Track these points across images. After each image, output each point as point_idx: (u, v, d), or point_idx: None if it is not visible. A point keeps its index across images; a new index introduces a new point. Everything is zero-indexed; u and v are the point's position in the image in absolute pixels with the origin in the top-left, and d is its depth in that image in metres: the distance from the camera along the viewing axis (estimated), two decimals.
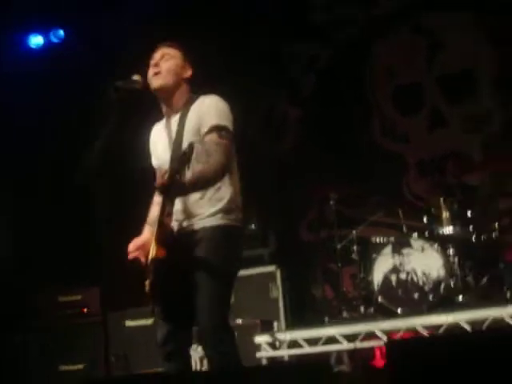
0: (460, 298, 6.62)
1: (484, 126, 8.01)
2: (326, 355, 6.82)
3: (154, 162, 4.37)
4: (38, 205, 8.66)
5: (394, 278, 6.77)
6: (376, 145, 8.48)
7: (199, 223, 4.05)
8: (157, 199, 4.33)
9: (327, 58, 8.79)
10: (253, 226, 7.67)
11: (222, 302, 4.02)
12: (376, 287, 6.82)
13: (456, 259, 6.79)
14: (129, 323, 7.18)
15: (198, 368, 6.44)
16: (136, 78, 4.19)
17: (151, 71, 4.20)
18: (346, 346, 6.54)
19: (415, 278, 6.68)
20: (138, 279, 4.80)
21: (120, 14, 8.68)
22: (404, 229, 7.14)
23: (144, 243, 4.18)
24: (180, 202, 4.04)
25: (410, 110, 8.41)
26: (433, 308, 6.55)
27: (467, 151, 7.98)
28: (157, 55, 4.24)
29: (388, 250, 6.88)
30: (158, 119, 4.46)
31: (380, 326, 6.44)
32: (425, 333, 6.27)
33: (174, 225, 4.07)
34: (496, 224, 6.83)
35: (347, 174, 8.07)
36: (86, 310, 7.44)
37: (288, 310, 7.30)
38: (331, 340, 6.59)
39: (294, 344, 6.72)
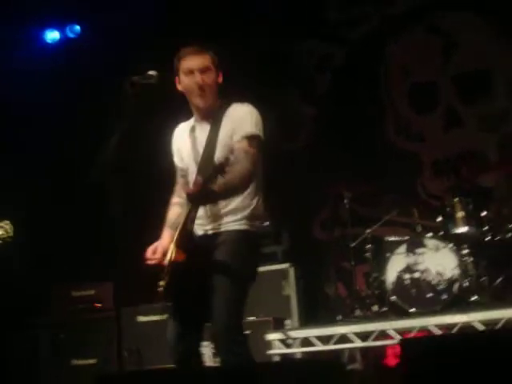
0: (474, 298, 6.59)
1: (500, 126, 7.98)
2: (338, 354, 6.81)
3: (178, 162, 4.40)
4: (51, 201, 8.69)
5: (407, 277, 6.75)
6: (390, 143, 8.47)
7: (223, 227, 4.11)
8: (175, 200, 4.41)
9: (342, 57, 8.79)
10: (266, 224, 7.66)
11: (237, 304, 4.06)
12: (389, 286, 6.79)
13: (470, 259, 6.76)
14: (141, 318, 7.20)
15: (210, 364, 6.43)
16: (152, 73, 4.19)
17: (194, 86, 4.16)
18: (358, 344, 6.52)
19: (429, 278, 6.65)
20: (151, 276, 4.82)
21: (135, 9, 8.69)
22: (418, 228, 7.11)
23: (164, 249, 4.20)
24: (205, 207, 4.09)
25: (425, 108, 8.39)
26: (446, 308, 6.52)
27: (483, 151, 7.95)
28: (193, 63, 4.21)
29: (402, 249, 6.85)
30: (177, 117, 4.48)
31: (393, 325, 6.41)
32: (438, 332, 6.24)
33: (198, 229, 4.13)
34: (511, 225, 6.80)
35: (361, 172, 8.03)
36: (99, 304, 7.47)
37: (301, 308, 7.29)
38: (344, 338, 6.57)
39: (306, 342, 6.70)
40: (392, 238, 7.07)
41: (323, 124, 8.74)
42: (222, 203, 4.07)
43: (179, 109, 4.43)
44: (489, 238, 6.87)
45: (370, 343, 6.47)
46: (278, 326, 6.90)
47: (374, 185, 7.75)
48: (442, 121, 8.27)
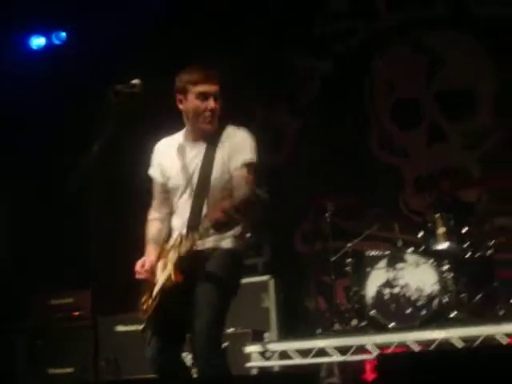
0: (453, 314, 6.60)
1: (483, 143, 8.01)
2: (316, 367, 6.80)
3: (159, 178, 4.43)
4: (33, 207, 8.65)
5: (387, 292, 6.75)
6: (374, 158, 8.48)
7: (210, 244, 4.20)
8: (155, 216, 4.47)
9: (328, 70, 8.79)
10: (248, 235, 7.64)
11: (220, 315, 4.14)
12: (369, 301, 6.80)
13: (450, 275, 6.77)
14: (120, 328, 7.16)
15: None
16: (135, 82, 4.18)
17: (206, 111, 4.25)
18: (336, 358, 6.51)
19: (408, 293, 6.66)
20: (131, 285, 4.81)
21: (122, 16, 8.69)
22: (399, 243, 7.12)
23: (152, 265, 4.30)
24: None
25: (408, 124, 8.42)
26: (425, 323, 6.53)
27: (465, 167, 7.99)
28: (209, 88, 4.27)
29: (382, 263, 6.86)
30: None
31: (372, 340, 6.41)
32: (416, 348, 6.25)
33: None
34: (491, 241, 6.83)
35: (344, 185, 8.05)
36: (77, 313, 7.42)
37: (280, 321, 7.27)
38: (322, 352, 6.56)
39: (284, 355, 6.69)
40: (373, 253, 7.08)
41: (307, 136, 8.75)
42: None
43: (160, 119, 4.44)
44: (469, 254, 6.89)
45: (348, 357, 6.46)
46: (257, 338, 6.88)
47: (356, 198, 7.76)
48: (425, 136, 8.30)
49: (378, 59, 8.63)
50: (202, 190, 4.18)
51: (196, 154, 4.29)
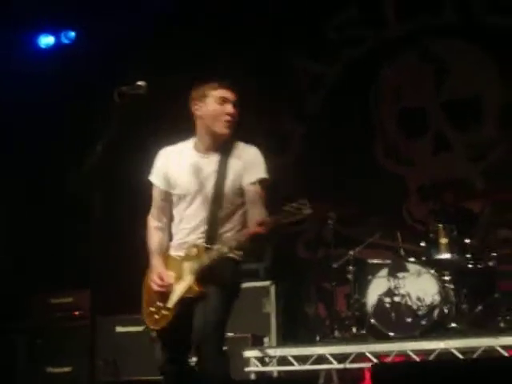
0: (453, 324, 6.60)
1: (488, 155, 8.01)
2: (315, 374, 6.79)
3: (163, 186, 4.47)
4: (32, 207, 8.65)
5: (388, 300, 6.73)
6: (379, 166, 8.48)
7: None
8: (155, 224, 4.51)
9: (335, 77, 8.79)
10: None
11: (222, 319, 4.25)
12: (369, 309, 6.78)
13: (451, 286, 6.77)
14: (119, 329, 7.15)
15: None
16: (141, 83, 4.18)
17: (227, 116, 4.36)
18: (335, 365, 6.50)
19: (409, 302, 6.65)
20: (130, 286, 4.81)
21: (131, 16, 8.71)
22: (401, 252, 7.11)
23: (169, 277, 4.34)
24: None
25: (414, 133, 8.41)
26: (425, 333, 6.52)
27: (470, 178, 7.98)
28: (229, 94, 4.40)
29: (384, 272, 6.84)
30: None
31: (371, 348, 6.40)
32: (416, 357, 6.24)
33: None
34: (494, 253, 6.82)
35: (348, 193, 8.05)
36: (77, 312, 7.42)
37: (280, 326, 7.26)
38: (321, 359, 6.55)
39: (283, 361, 6.68)
40: (374, 261, 7.07)
41: (312, 142, 8.75)
42: (221, 230, 4.29)
43: (164, 120, 4.45)
44: (471, 265, 6.88)
45: (347, 365, 6.45)
46: (257, 343, 6.88)
47: (359, 206, 7.75)
48: (430, 146, 8.30)
49: (386, 67, 8.63)
50: (217, 200, 4.28)
51: (209, 163, 4.35)
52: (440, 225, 6.95)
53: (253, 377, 6.59)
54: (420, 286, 6.67)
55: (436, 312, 6.57)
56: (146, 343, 4.73)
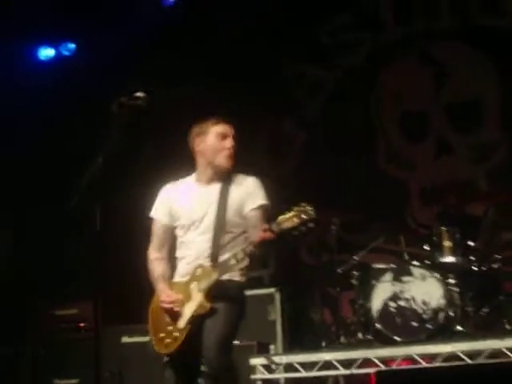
0: (459, 327, 6.58)
1: (491, 156, 8.00)
2: (322, 380, 6.77)
3: (166, 220, 4.68)
4: (37, 218, 8.66)
5: (393, 305, 6.72)
6: (380, 170, 8.47)
7: (226, 276, 4.55)
8: (156, 255, 4.74)
9: (335, 82, 8.80)
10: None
11: (233, 328, 4.57)
12: (375, 314, 6.76)
13: (456, 289, 6.74)
14: (125, 340, 7.13)
15: None
16: (140, 94, 4.20)
17: (227, 150, 4.64)
18: (342, 371, 6.49)
19: (414, 306, 6.63)
20: (137, 297, 4.84)
21: (131, 27, 8.73)
22: (405, 256, 7.10)
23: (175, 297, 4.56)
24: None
25: (416, 136, 8.41)
26: (431, 337, 6.50)
27: (473, 181, 7.97)
28: (229, 130, 4.68)
29: (388, 276, 6.83)
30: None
31: (377, 353, 6.39)
32: (422, 362, 6.22)
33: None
34: (498, 255, 6.80)
35: (350, 198, 8.04)
36: (82, 324, 7.42)
37: (286, 333, 7.24)
38: (328, 365, 6.54)
39: (290, 368, 6.67)
40: (378, 266, 7.05)
41: (313, 149, 8.75)
42: (227, 255, 4.52)
43: (165, 131, 4.47)
44: (475, 268, 6.87)
45: (353, 371, 6.43)
46: (262, 350, 6.86)
47: (362, 211, 7.75)
48: (432, 149, 8.29)
49: (386, 71, 8.63)
50: (219, 225, 4.53)
51: (211, 192, 4.63)
52: (443, 228, 6.93)
53: None
54: (425, 290, 6.65)
55: (441, 315, 6.55)
56: (152, 354, 4.74)
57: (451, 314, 6.59)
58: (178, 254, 4.71)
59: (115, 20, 8.71)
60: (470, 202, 7.37)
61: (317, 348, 6.94)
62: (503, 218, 7.13)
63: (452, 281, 6.76)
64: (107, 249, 4.41)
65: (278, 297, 7.32)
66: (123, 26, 8.74)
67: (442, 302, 6.56)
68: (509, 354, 5.94)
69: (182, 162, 4.92)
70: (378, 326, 6.72)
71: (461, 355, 6.05)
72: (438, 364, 6.13)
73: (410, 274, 6.76)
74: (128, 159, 7.60)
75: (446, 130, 8.25)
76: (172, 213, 4.69)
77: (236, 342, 6.49)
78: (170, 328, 4.53)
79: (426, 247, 7.02)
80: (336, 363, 6.48)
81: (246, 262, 4.58)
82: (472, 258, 6.89)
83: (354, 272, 7.16)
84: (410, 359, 6.30)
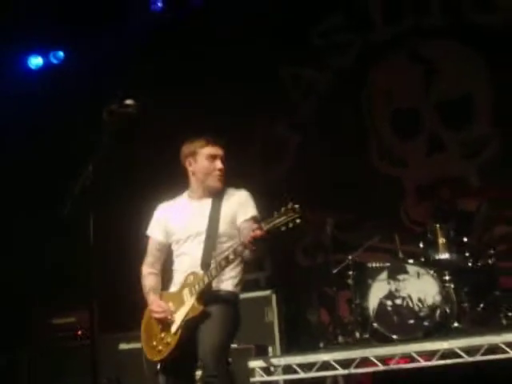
0: (455, 324, 6.60)
1: (482, 152, 8.01)
2: (321, 381, 6.77)
3: (161, 237, 4.80)
4: (34, 227, 8.64)
5: (389, 303, 6.74)
6: (374, 169, 8.48)
7: (218, 285, 4.63)
8: (150, 271, 4.85)
9: (326, 82, 8.81)
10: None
11: (226, 343, 4.58)
12: (371, 313, 6.78)
13: (452, 285, 6.77)
14: (122, 346, 7.13)
15: None
16: (130, 102, 4.21)
17: (218, 171, 4.74)
18: (340, 371, 6.49)
19: (411, 304, 6.65)
20: (134, 303, 4.85)
21: (120, 34, 8.73)
22: (400, 254, 7.11)
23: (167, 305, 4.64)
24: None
25: (407, 134, 8.43)
26: (428, 334, 6.51)
27: (465, 177, 7.99)
28: (218, 151, 4.77)
29: (384, 275, 6.84)
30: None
31: (375, 352, 6.38)
32: (420, 359, 6.23)
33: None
34: (492, 250, 6.82)
35: (344, 198, 8.05)
36: (79, 332, 7.41)
37: (283, 335, 7.25)
38: (326, 365, 6.54)
39: (288, 369, 6.67)
40: (374, 265, 7.06)
41: (308, 149, 8.76)
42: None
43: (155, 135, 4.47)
44: (470, 264, 6.88)
45: (352, 370, 6.43)
46: (261, 353, 6.85)
47: (356, 211, 7.76)
48: (424, 146, 8.31)
49: (376, 70, 8.64)
50: (211, 236, 4.63)
51: (203, 207, 4.73)
52: (437, 225, 6.95)
53: None
54: (420, 288, 6.67)
55: (438, 312, 6.57)
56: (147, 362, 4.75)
57: (447, 310, 6.61)
58: (174, 266, 4.80)
59: (104, 27, 8.71)
60: (462, 198, 7.39)
61: (315, 349, 6.95)
62: (496, 213, 7.15)
63: (447, 277, 6.79)
64: (103, 258, 4.43)
65: (274, 299, 7.32)
66: (112, 33, 8.74)
67: (438, 298, 6.58)
68: (506, 349, 5.94)
69: (175, 171, 4.96)
70: (375, 324, 6.74)
71: (458, 351, 6.06)
72: (435, 361, 6.15)
73: (405, 272, 6.77)
74: (122, 171, 7.63)
75: (437, 128, 8.26)
76: (167, 230, 4.81)
77: (234, 346, 6.54)
78: (162, 335, 4.59)
79: (421, 245, 7.04)
80: (334, 363, 6.47)
81: (239, 272, 4.70)
82: (467, 254, 6.91)
83: (350, 272, 7.17)
84: (407, 357, 6.30)
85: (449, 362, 6.09)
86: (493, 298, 6.69)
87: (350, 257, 7.22)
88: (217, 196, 4.76)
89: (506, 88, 7.81)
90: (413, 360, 6.25)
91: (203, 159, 4.74)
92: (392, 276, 6.79)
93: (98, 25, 8.60)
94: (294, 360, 6.65)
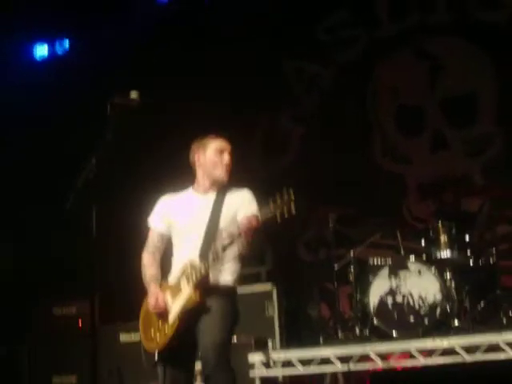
0: (456, 322, 6.60)
1: (486, 150, 8.00)
2: (321, 375, 6.79)
3: (162, 229, 4.84)
4: (35, 218, 8.66)
5: (390, 300, 6.75)
6: (377, 165, 8.47)
7: (217, 279, 4.65)
8: (151, 261, 4.83)
9: (331, 78, 8.80)
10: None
11: (228, 333, 4.62)
12: (372, 309, 6.79)
13: (453, 283, 6.78)
14: (123, 337, 7.14)
15: None
16: (134, 94, 4.21)
17: (223, 164, 4.81)
18: (340, 367, 6.50)
19: (411, 302, 6.66)
20: (134, 294, 4.86)
21: (125, 26, 8.72)
22: (402, 251, 7.11)
23: (164, 298, 4.68)
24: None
25: (412, 131, 8.41)
26: (428, 332, 6.52)
27: (468, 175, 7.98)
28: (225, 145, 4.87)
29: (385, 272, 6.85)
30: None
31: (375, 349, 6.41)
32: (420, 357, 6.24)
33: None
34: (494, 249, 6.82)
35: (347, 193, 8.04)
36: (80, 322, 7.42)
37: (283, 329, 7.25)
38: (326, 361, 6.55)
39: (288, 364, 6.68)
40: (375, 261, 7.06)
41: (311, 144, 8.75)
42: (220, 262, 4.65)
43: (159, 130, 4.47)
44: (471, 262, 6.89)
45: (351, 366, 6.45)
46: (260, 347, 6.86)
47: (359, 206, 7.75)
48: (428, 143, 8.29)
49: (381, 66, 8.63)
50: (212, 229, 4.67)
51: (207, 200, 4.79)
52: (439, 223, 6.95)
53: (258, 381, 6.58)
54: (421, 285, 6.68)
55: (438, 310, 6.58)
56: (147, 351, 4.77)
57: (448, 308, 6.62)
58: (173, 257, 4.82)
59: (110, 18, 8.71)
60: (465, 196, 7.39)
61: (315, 344, 6.95)
62: (498, 212, 7.15)
63: (448, 275, 6.79)
64: (105, 249, 4.43)
65: (275, 293, 7.31)
66: (118, 24, 8.74)
67: (439, 296, 6.59)
68: (506, 348, 5.96)
69: (177, 163, 4.98)
70: (375, 321, 6.75)
71: (458, 350, 6.08)
72: (435, 358, 6.17)
73: (406, 269, 6.78)
74: (124, 163, 7.64)
75: (441, 125, 8.25)
76: (169, 222, 4.84)
77: (234, 339, 6.56)
78: (160, 326, 4.61)
79: (423, 242, 7.04)
80: (334, 359, 6.49)
81: (237, 266, 4.73)
82: (468, 252, 6.91)
83: (351, 268, 7.17)
84: (407, 354, 6.31)
85: (449, 360, 6.15)
86: (494, 296, 6.68)
87: (351, 252, 7.22)
88: (221, 191, 4.82)
89: (510, 86, 7.79)
90: (412, 357, 6.28)
91: (211, 152, 4.83)
92: (393, 273, 6.79)
93: (104, 16, 8.61)
94: (294, 354, 6.68)
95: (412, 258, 6.89)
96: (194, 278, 4.53)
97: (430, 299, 6.60)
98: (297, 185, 8.12)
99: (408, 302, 6.66)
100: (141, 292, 4.86)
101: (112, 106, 4.09)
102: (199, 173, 4.88)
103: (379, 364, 6.33)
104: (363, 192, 8.02)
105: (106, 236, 4.35)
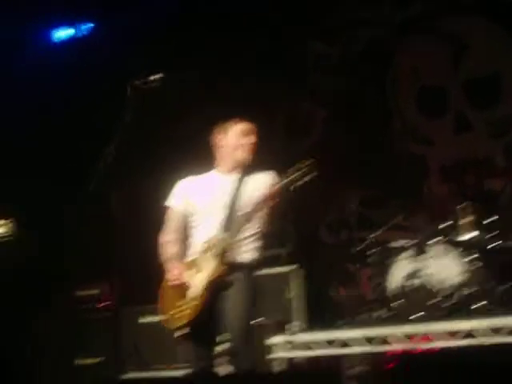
0: (478, 304, 6.56)
1: (509, 131, 7.93)
2: (340, 358, 6.79)
3: (183, 209, 4.83)
4: (55, 200, 8.68)
5: (411, 282, 6.73)
6: (399, 147, 8.42)
7: (241, 258, 4.71)
8: (167, 239, 4.85)
9: (352, 59, 8.74)
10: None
11: (250, 314, 4.71)
12: (393, 291, 6.78)
13: (475, 265, 6.72)
14: (143, 319, 7.18)
15: None
16: (154, 77, 4.21)
17: (247, 145, 4.84)
18: (360, 349, 6.50)
19: (433, 284, 6.63)
20: (155, 277, 4.88)
21: (147, 9, 8.70)
22: (424, 233, 7.07)
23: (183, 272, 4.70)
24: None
25: (434, 112, 8.34)
26: (450, 314, 6.50)
27: (491, 156, 7.91)
28: (250, 127, 4.89)
29: (407, 254, 6.83)
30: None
31: (396, 331, 6.40)
32: (441, 339, 6.21)
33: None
34: None
35: (369, 175, 8.01)
36: (102, 304, 7.46)
37: (304, 311, 7.25)
38: (346, 343, 6.55)
39: (308, 346, 6.69)
40: (397, 243, 7.04)
41: (333, 126, 8.71)
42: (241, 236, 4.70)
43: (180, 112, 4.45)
44: (494, 244, 6.84)
45: (372, 348, 6.44)
46: (280, 329, 6.87)
47: (381, 188, 7.72)
48: (451, 125, 8.23)
49: (404, 47, 8.55)
50: (234, 205, 4.70)
51: (229, 179, 4.81)
52: (462, 204, 6.90)
53: (278, 363, 6.60)
54: (443, 267, 6.66)
55: (460, 292, 6.55)
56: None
57: (470, 291, 6.58)
58: (191, 239, 4.82)
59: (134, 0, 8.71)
60: (488, 178, 7.33)
61: (335, 326, 6.95)
62: None
63: (471, 258, 6.74)
64: (125, 233, 4.45)
65: (296, 275, 7.31)
66: (141, 7, 8.72)
67: (461, 278, 6.55)
68: None
69: (198, 146, 4.98)
70: (396, 303, 6.73)
71: (481, 332, 6.04)
72: (458, 341, 6.14)
73: (428, 251, 6.75)
74: (145, 146, 7.64)
75: (464, 106, 8.17)
76: (188, 203, 4.84)
77: (254, 321, 6.57)
78: (181, 303, 4.63)
79: (445, 224, 6.99)
80: (354, 341, 6.49)
81: (259, 245, 4.75)
82: (491, 234, 6.86)
83: (373, 250, 7.15)
84: (428, 337, 6.29)
85: (472, 342, 6.12)
86: None
87: (372, 235, 7.19)
88: (245, 172, 4.83)
89: None
90: (433, 340, 6.26)
91: (234, 134, 4.85)
92: (414, 255, 6.77)
93: None
94: (314, 337, 6.69)
95: (434, 240, 6.85)
96: (218, 250, 4.57)
97: (452, 281, 6.57)
98: (319, 166, 8.20)
99: (430, 284, 6.63)
100: (158, 274, 4.87)
101: (132, 87, 4.08)
102: (221, 154, 4.88)
103: (400, 346, 6.32)
104: (386, 174, 7.98)
105: (126, 218, 4.36)
